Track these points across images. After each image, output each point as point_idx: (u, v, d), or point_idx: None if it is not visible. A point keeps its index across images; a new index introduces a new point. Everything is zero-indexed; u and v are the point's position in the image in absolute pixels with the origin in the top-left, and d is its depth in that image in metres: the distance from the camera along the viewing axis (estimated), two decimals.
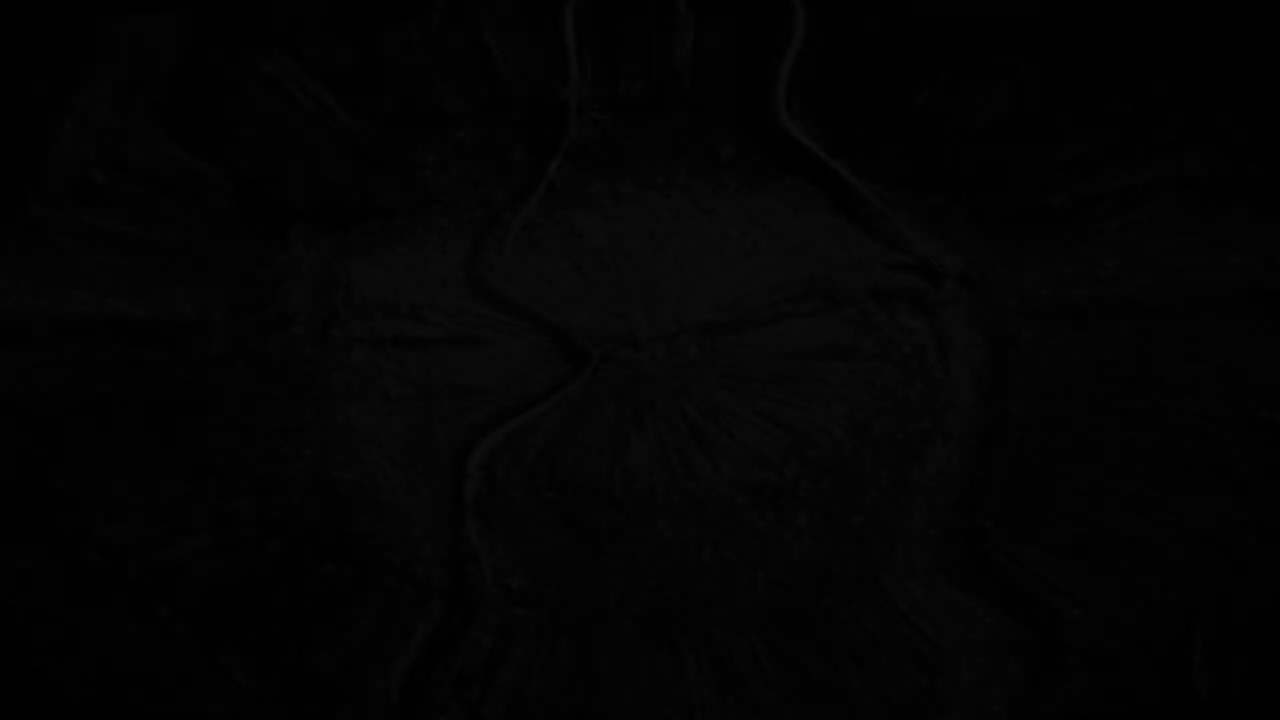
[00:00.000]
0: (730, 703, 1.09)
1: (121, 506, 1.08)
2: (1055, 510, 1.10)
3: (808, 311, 1.11)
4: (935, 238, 1.11)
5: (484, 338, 1.11)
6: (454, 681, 1.08)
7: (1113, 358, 1.09)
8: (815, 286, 1.11)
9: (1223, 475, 1.08)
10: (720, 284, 1.12)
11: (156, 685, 1.08)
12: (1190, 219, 1.09)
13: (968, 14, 1.07)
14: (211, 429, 1.08)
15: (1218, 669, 1.07)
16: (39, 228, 1.06)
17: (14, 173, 1.06)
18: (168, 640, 1.08)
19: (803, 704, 1.09)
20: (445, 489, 1.10)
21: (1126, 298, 1.09)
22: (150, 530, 1.08)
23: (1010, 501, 1.10)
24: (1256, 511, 1.08)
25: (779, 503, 1.10)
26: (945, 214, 1.12)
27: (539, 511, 1.11)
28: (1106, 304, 1.09)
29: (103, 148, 1.07)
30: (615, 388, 1.10)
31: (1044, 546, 1.09)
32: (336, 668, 1.09)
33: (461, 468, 1.09)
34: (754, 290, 1.12)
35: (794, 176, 1.12)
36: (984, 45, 1.08)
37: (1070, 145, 1.09)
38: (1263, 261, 1.07)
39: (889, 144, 1.11)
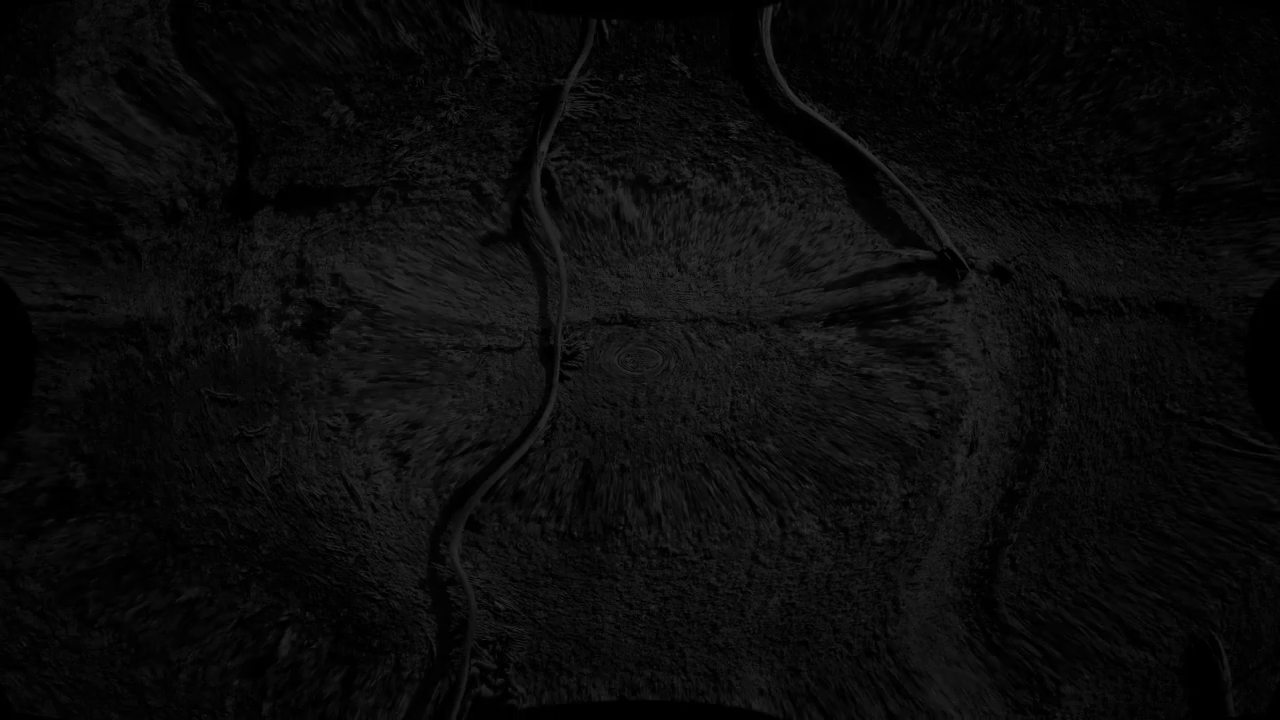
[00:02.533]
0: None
1: (100, 510, 1.04)
2: (1077, 521, 1.06)
3: (814, 311, 1.06)
4: (968, 225, 1.06)
5: (471, 338, 1.06)
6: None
7: (1139, 358, 1.05)
8: (824, 284, 1.06)
9: (1238, 488, 1.05)
10: (725, 282, 1.06)
11: (133, 704, 1.04)
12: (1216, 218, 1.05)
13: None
14: (175, 434, 1.04)
15: (1248, 687, 1.04)
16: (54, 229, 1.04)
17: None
18: (146, 654, 1.04)
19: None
20: (426, 506, 1.06)
21: (1153, 294, 1.05)
22: (127, 536, 1.04)
23: (1039, 514, 1.06)
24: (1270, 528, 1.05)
25: (788, 514, 1.05)
26: (980, 197, 1.06)
27: (527, 526, 1.06)
28: (1137, 301, 1.05)
29: (97, 139, 1.03)
30: (609, 393, 1.06)
31: (1067, 560, 1.06)
32: (327, 687, 1.05)
33: (449, 511, 1.05)
34: (759, 289, 1.06)
35: (810, 161, 1.06)
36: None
37: (1101, 138, 1.04)
38: None
39: (912, 127, 1.05)
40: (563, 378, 1.04)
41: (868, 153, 1.04)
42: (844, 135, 1.04)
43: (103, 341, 1.03)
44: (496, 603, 1.06)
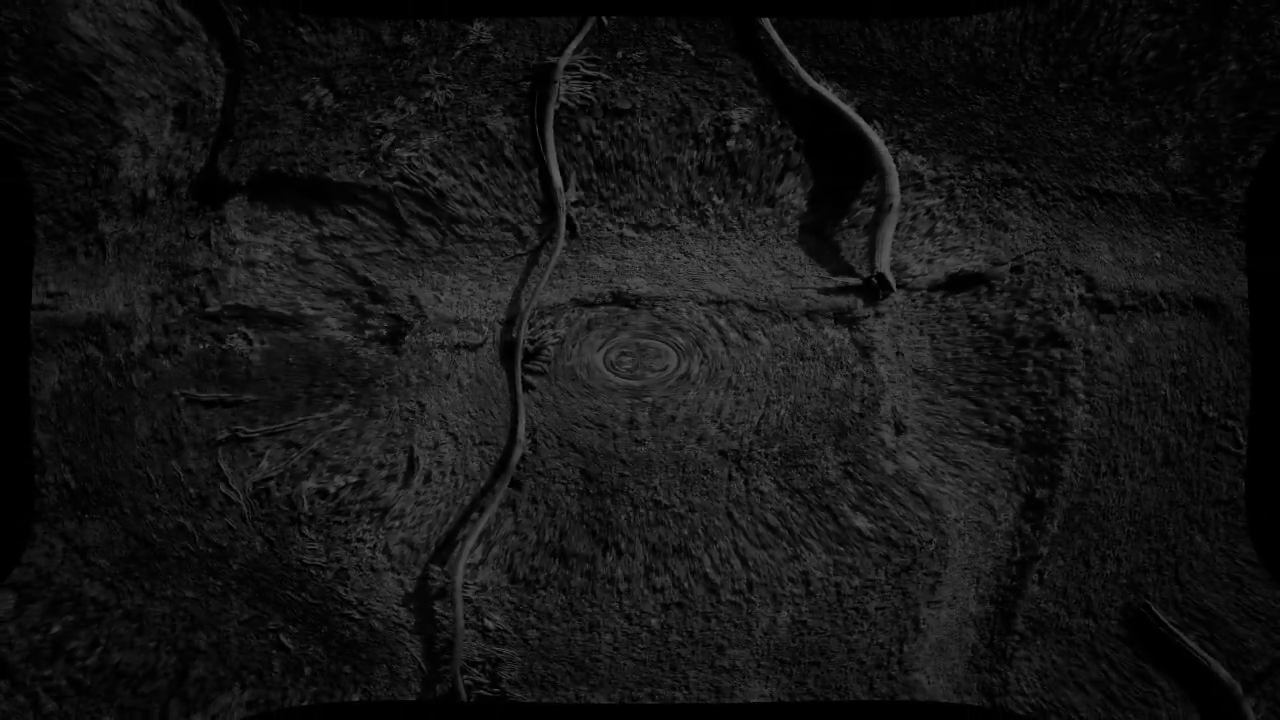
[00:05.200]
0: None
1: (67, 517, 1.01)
2: (1110, 533, 1.02)
3: (824, 308, 1.02)
4: (970, 227, 1.02)
5: (448, 335, 1.02)
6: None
7: (1180, 358, 1.02)
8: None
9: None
10: (739, 268, 1.02)
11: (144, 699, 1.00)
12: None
13: None
14: (138, 440, 1.00)
15: (1265, 696, 1.01)
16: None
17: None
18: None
19: None
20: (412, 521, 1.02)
21: (1190, 290, 1.02)
22: (99, 545, 1.01)
23: (1070, 525, 1.02)
24: None
25: (791, 525, 1.01)
26: (1003, 186, 1.02)
27: (521, 540, 1.02)
28: (1176, 296, 1.02)
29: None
30: (593, 411, 1.02)
31: (1091, 571, 1.02)
32: (346, 664, 1.02)
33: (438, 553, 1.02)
34: (774, 280, 1.02)
35: (812, 161, 1.01)
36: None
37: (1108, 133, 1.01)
38: None
39: (934, 108, 1.01)
40: (527, 386, 1.00)
41: (878, 142, 0.99)
42: (858, 120, 0.99)
43: (68, 340, 1.00)
44: (486, 620, 1.01)
